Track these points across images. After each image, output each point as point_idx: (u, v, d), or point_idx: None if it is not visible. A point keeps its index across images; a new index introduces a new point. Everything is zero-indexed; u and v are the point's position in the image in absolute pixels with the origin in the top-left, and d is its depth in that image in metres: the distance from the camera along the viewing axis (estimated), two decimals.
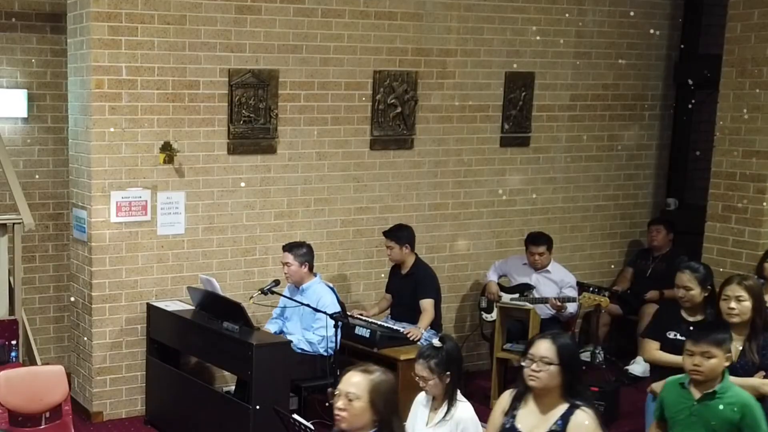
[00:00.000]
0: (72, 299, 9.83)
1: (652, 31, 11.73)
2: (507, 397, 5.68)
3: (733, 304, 6.80)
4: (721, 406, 5.89)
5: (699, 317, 7.34)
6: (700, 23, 12.18)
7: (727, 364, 5.98)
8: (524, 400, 5.54)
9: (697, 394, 6.01)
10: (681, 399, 6.10)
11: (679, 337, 7.21)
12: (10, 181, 9.19)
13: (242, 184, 9.73)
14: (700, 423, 5.97)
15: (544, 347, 5.38)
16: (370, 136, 10.34)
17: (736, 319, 6.76)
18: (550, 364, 5.32)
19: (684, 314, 7.43)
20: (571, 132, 11.56)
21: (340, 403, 4.88)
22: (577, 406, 5.33)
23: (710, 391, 5.93)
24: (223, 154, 9.64)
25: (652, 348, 7.52)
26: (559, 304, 9.99)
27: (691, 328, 6.95)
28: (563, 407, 5.38)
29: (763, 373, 6.66)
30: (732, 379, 6.27)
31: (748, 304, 6.75)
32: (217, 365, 9.47)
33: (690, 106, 12.08)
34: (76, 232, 9.58)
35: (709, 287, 7.39)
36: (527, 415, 5.50)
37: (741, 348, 6.75)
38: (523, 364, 5.48)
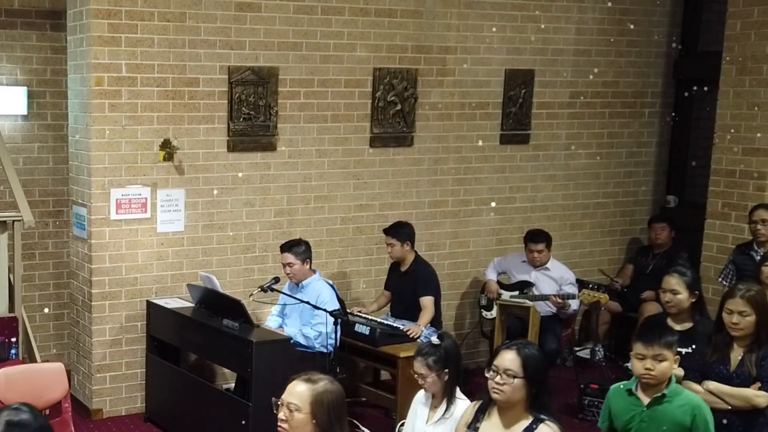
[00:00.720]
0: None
1: (656, 38, 11.74)
2: (471, 409, 5.54)
3: (736, 319, 6.48)
4: (673, 409, 5.74)
5: (687, 325, 7.14)
6: (699, 20, 12.18)
7: (676, 366, 5.87)
8: (488, 413, 5.37)
9: (645, 399, 5.83)
10: (630, 406, 5.91)
11: None
12: (10, 179, 9.20)
13: (240, 174, 9.72)
14: (651, 428, 5.80)
15: (508, 359, 5.17)
16: (369, 133, 10.33)
17: (739, 333, 6.50)
18: (515, 377, 5.12)
19: (671, 322, 7.16)
20: (570, 129, 11.56)
21: (281, 414, 4.59)
22: (542, 420, 5.14)
23: (659, 394, 5.77)
24: (223, 151, 9.65)
25: None
26: (560, 301, 9.99)
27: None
28: (527, 421, 5.17)
29: (758, 384, 6.57)
30: (725, 388, 6.44)
31: (751, 319, 6.46)
32: (217, 362, 9.48)
33: (689, 101, 12.11)
34: (76, 230, 9.59)
35: (696, 293, 7.21)
36: (490, 428, 5.32)
37: (740, 358, 6.53)
38: (487, 375, 5.29)
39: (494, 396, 5.25)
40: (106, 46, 8.98)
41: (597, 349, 10.82)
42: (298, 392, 4.56)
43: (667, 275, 7.29)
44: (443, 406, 6.22)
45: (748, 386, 6.47)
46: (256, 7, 9.55)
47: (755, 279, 7.98)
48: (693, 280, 7.24)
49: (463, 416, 5.64)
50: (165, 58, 9.24)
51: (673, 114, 12.21)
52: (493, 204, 11.08)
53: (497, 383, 5.19)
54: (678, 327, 7.06)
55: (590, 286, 9.99)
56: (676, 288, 7.15)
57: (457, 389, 6.26)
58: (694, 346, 6.89)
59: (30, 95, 10.29)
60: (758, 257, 9.09)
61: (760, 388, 6.45)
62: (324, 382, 4.61)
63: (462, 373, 6.40)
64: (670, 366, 5.75)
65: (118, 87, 9.10)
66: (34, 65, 10.32)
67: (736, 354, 6.54)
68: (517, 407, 5.21)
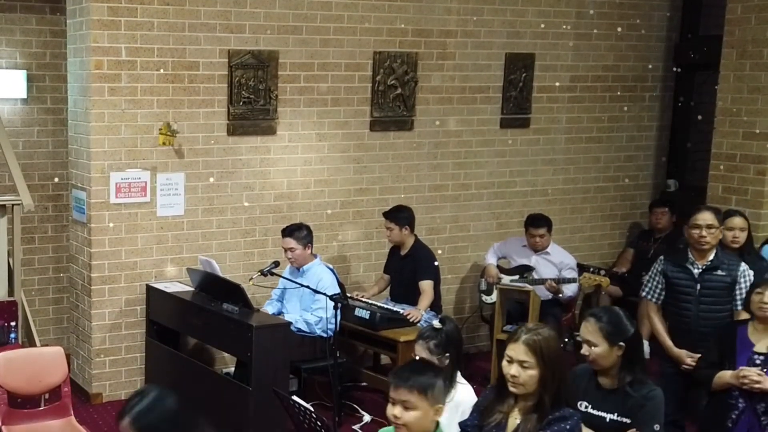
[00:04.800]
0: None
1: (656, 21, 11.72)
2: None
3: (515, 371, 4.89)
4: None
5: (616, 383, 5.67)
6: (700, 4, 12.16)
7: (437, 418, 4.70)
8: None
9: None
10: None
11: (590, 410, 5.68)
12: (10, 162, 9.19)
13: (240, 159, 9.72)
14: None
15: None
16: (369, 117, 10.32)
17: (518, 390, 4.93)
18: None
19: (601, 380, 5.74)
20: (571, 113, 11.55)
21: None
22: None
23: None
24: (223, 135, 9.63)
25: None
26: (554, 285, 9.96)
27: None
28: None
29: None
30: None
31: (533, 373, 4.85)
32: (217, 347, 9.47)
33: (690, 85, 12.10)
34: (76, 214, 9.58)
35: (622, 344, 5.60)
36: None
37: (517, 424, 4.97)
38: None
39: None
40: (106, 29, 8.96)
41: None
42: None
43: (583, 320, 5.84)
44: None
45: None
46: None
47: (694, 299, 7.38)
48: (615, 328, 5.63)
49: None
50: (165, 42, 9.22)
51: (681, 99, 12.18)
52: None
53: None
54: (607, 386, 5.70)
55: (591, 269, 9.97)
56: (590, 339, 5.65)
57: (458, 374, 6.25)
58: (627, 419, 5.58)
59: (29, 79, 10.29)
60: (696, 270, 7.69)
61: None
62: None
63: (463, 357, 6.38)
64: (420, 417, 4.64)
65: (117, 71, 9.08)
66: (33, 49, 10.31)
67: (515, 418, 5.00)
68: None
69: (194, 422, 4.57)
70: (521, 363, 4.91)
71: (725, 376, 6.71)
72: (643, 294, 8.07)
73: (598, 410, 5.63)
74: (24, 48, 10.27)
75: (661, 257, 8.03)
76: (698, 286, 7.62)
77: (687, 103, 12.22)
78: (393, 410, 4.68)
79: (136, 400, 4.41)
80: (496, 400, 5.13)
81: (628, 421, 5.53)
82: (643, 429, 5.51)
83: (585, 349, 5.64)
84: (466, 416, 5.35)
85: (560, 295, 10.05)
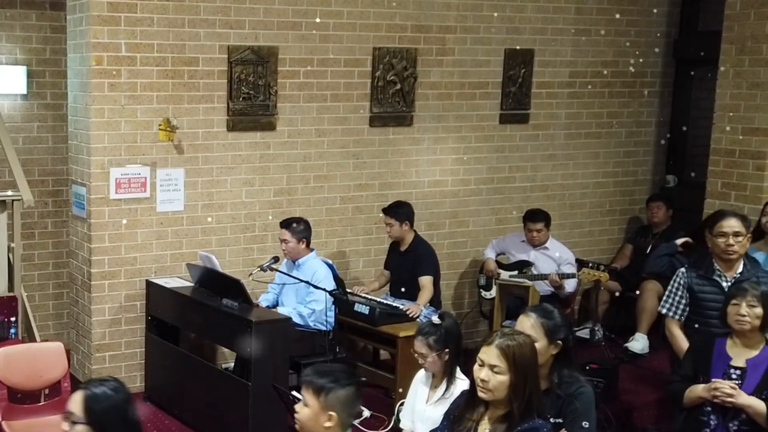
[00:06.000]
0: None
1: (655, 17, 11.71)
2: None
3: (485, 375, 4.84)
4: None
5: (544, 384, 5.35)
6: (699, 0, 12.16)
7: (329, 425, 4.58)
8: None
9: None
10: None
11: None
12: (10, 158, 9.20)
13: (240, 154, 9.73)
14: None
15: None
16: (369, 112, 10.32)
17: (487, 396, 4.85)
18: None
19: None
20: (570, 109, 11.55)
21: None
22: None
23: None
24: (223, 130, 9.64)
25: None
26: (558, 280, 9.99)
27: None
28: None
29: None
30: None
31: (503, 378, 4.81)
32: (217, 342, 9.49)
33: (689, 81, 12.10)
34: (76, 209, 9.58)
35: (559, 342, 5.49)
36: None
37: None
38: None
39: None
40: (106, 25, 8.96)
41: (596, 329, 10.82)
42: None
43: (522, 315, 5.69)
44: (443, 385, 6.24)
45: None
46: None
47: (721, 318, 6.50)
48: (554, 325, 5.51)
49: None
50: (164, 38, 9.23)
51: (681, 94, 12.18)
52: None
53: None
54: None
55: (590, 265, 9.99)
56: (531, 333, 5.34)
57: (458, 369, 6.28)
58: (559, 419, 5.40)
59: (29, 74, 10.30)
60: (726, 284, 7.18)
61: None
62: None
63: (462, 352, 6.39)
64: (311, 417, 4.61)
65: (117, 66, 9.08)
66: (33, 44, 10.31)
67: (484, 427, 4.91)
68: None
69: (139, 427, 4.55)
70: (492, 367, 4.78)
71: (697, 389, 6.32)
72: (663, 311, 7.58)
73: None
74: (24, 44, 10.28)
75: (683, 269, 7.50)
76: None
77: (686, 98, 12.22)
78: (297, 405, 4.69)
79: (96, 383, 4.46)
80: (466, 408, 5.02)
81: (561, 421, 5.36)
82: (572, 427, 5.35)
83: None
84: None
85: (560, 290, 10.07)
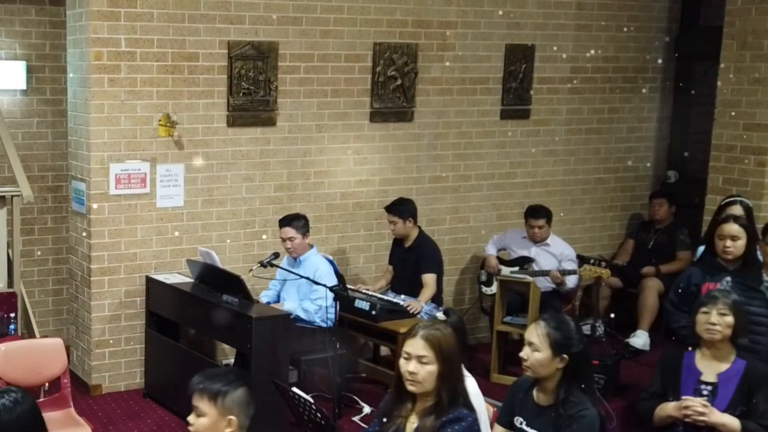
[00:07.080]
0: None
1: (656, 12, 11.69)
2: None
3: (413, 368, 4.84)
4: None
5: (551, 399, 5.23)
6: None
7: (229, 430, 4.54)
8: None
9: None
10: None
11: (525, 426, 5.31)
12: (9, 154, 9.18)
13: (240, 150, 9.70)
14: None
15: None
16: (369, 108, 10.30)
17: (416, 388, 4.82)
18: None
19: (536, 395, 5.34)
20: (571, 104, 11.53)
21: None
22: None
23: None
24: (223, 126, 9.62)
25: None
26: (560, 276, 9.97)
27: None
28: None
29: None
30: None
31: (432, 368, 4.84)
32: (217, 338, 9.47)
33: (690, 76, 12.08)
34: (75, 205, 9.56)
35: (565, 356, 5.14)
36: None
37: (415, 427, 4.91)
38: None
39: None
40: (106, 20, 8.94)
41: (597, 324, 10.80)
42: None
43: (534, 322, 5.42)
44: None
45: None
46: None
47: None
48: (563, 337, 5.18)
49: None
50: (164, 33, 9.20)
51: (682, 90, 12.16)
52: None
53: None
54: (543, 402, 5.28)
55: (591, 261, 9.97)
56: (535, 342, 5.21)
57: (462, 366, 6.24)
58: None
59: (29, 70, 10.28)
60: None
61: None
62: None
63: (466, 349, 6.36)
64: (209, 426, 4.54)
65: (117, 62, 9.06)
66: (33, 40, 10.29)
67: (412, 423, 4.88)
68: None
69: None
70: (420, 358, 4.80)
71: (667, 408, 6.12)
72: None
73: (531, 427, 5.27)
74: (23, 39, 10.26)
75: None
76: None
77: (687, 94, 12.20)
78: (189, 417, 4.60)
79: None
80: (394, 405, 5.00)
81: None
82: None
83: (524, 352, 5.22)
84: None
85: (562, 286, 10.06)
